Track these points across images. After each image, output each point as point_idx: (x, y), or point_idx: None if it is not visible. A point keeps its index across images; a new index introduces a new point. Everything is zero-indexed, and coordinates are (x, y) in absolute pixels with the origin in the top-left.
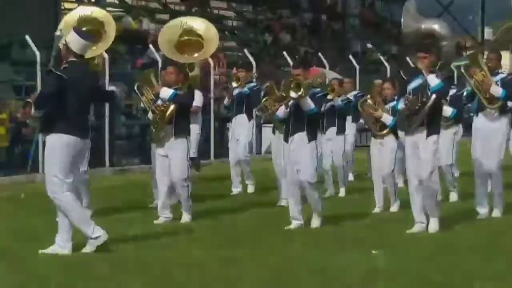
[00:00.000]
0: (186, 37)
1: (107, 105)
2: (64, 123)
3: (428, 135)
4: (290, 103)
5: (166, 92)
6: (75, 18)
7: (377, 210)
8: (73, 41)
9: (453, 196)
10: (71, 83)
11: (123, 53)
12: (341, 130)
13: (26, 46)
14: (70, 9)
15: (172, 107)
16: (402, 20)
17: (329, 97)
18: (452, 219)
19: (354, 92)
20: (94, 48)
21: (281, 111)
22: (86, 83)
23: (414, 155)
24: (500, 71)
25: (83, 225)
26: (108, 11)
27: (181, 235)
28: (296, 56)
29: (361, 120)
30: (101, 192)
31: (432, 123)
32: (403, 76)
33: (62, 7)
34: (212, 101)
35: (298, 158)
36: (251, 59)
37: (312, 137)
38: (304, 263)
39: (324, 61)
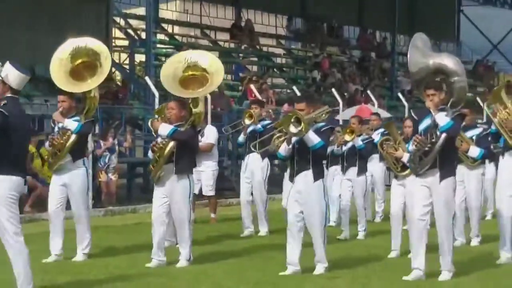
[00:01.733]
0: (190, 72)
1: None
2: (8, 163)
3: (442, 178)
4: (293, 139)
5: (165, 129)
6: (67, 52)
7: (393, 254)
8: (11, 75)
9: (475, 241)
10: (13, 120)
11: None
12: (362, 171)
13: None
14: (120, 47)
15: (171, 144)
16: (408, 55)
17: (347, 137)
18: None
19: (381, 130)
20: (89, 81)
21: (282, 149)
22: (25, 120)
23: (422, 199)
24: None
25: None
26: (158, 48)
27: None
28: (345, 93)
29: None
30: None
31: (445, 164)
32: (414, 116)
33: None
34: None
35: (303, 200)
36: (298, 93)
37: (318, 175)
38: None
39: (373, 98)
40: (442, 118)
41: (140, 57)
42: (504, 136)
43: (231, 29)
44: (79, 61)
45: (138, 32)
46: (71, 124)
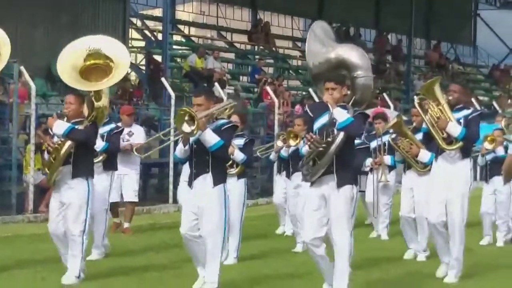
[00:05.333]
0: (93, 61)
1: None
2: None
3: (340, 185)
4: (191, 140)
5: (60, 127)
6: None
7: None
8: None
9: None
10: None
11: (188, 91)
12: None
13: None
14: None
15: (68, 144)
16: (306, 46)
17: (292, 142)
18: None
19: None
20: (97, 82)
21: (178, 150)
22: None
23: (318, 211)
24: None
25: None
26: (174, 49)
27: None
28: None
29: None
30: (165, 228)
31: (344, 170)
32: (310, 113)
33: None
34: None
35: (200, 207)
36: (316, 98)
37: (219, 180)
38: None
39: (389, 101)
40: (341, 114)
41: (156, 58)
42: (435, 137)
43: (247, 31)
44: (92, 62)
45: (155, 33)
46: (60, 126)
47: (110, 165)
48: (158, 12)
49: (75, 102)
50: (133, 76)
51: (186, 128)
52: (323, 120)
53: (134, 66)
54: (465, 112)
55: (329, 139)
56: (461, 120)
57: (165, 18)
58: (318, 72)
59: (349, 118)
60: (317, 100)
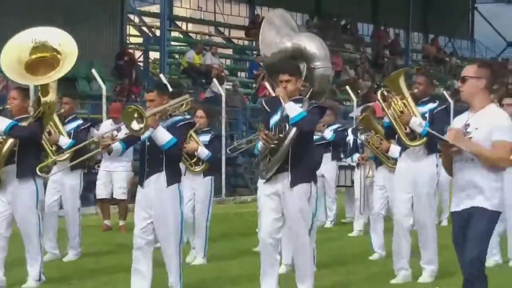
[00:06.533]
0: (39, 54)
1: None
2: None
3: (294, 183)
4: (142, 137)
5: (1, 123)
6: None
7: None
8: None
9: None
10: None
11: (187, 87)
12: None
13: (91, 80)
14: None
15: (10, 142)
16: (260, 35)
17: None
18: None
19: (334, 126)
20: (43, 76)
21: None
22: None
23: (271, 212)
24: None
25: None
26: (172, 45)
27: None
28: (359, 91)
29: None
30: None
31: (298, 167)
32: (266, 107)
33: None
34: None
35: (153, 208)
36: (271, 91)
37: (173, 179)
38: None
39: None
40: (293, 109)
41: (154, 55)
42: (398, 132)
43: (245, 27)
44: (38, 55)
45: (153, 29)
46: (1, 123)
47: (77, 163)
48: (155, 9)
49: (18, 97)
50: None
51: (135, 125)
52: (277, 115)
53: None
54: (431, 105)
55: (281, 135)
56: (426, 115)
57: (163, 14)
58: (272, 63)
59: (302, 113)
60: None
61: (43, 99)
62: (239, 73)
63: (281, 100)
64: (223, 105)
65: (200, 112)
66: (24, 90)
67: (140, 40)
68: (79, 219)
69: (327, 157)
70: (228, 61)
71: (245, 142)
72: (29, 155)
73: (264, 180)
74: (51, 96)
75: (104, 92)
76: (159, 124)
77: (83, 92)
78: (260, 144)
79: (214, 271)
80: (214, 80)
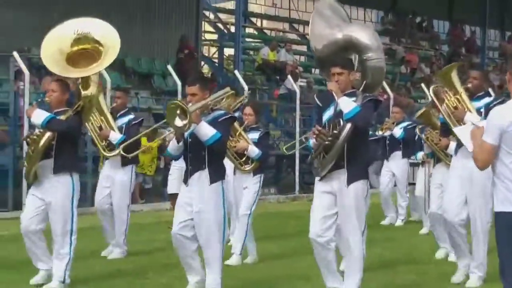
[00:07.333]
0: (81, 46)
1: None
2: None
3: (350, 181)
4: (185, 134)
5: (39, 116)
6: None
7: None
8: None
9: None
10: None
11: (261, 83)
12: None
13: (166, 76)
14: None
15: (47, 135)
16: (310, 27)
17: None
18: None
19: (404, 124)
20: (83, 69)
21: (171, 146)
22: None
23: (322, 210)
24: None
25: None
26: (247, 41)
27: None
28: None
29: None
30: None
31: (355, 164)
32: (318, 102)
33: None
34: None
35: (195, 206)
36: (388, 90)
37: (216, 177)
38: None
39: None
40: (347, 104)
41: (229, 51)
42: (452, 129)
43: None
44: (79, 47)
45: (228, 25)
46: (38, 116)
47: (129, 158)
48: (230, 5)
49: (58, 89)
50: (205, 69)
51: (178, 122)
52: (330, 111)
53: (206, 59)
54: (487, 100)
55: (335, 131)
56: (482, 110)
57: (238, 10)
58: (324, 56)
59: (356, 108)
60: (389, 92)
61: (83, 93)
62: (313, 70)
63: (334, 95)
64: (297, 102)
65: (248, 109)
66: (63, 83)
67: (215, 36)
68: (127, 217)
69: (398, 155)
70: (303, 58)
71: (304, 139)
72: (66, 150)
73: (318, 178)
74: (92, 90)
75: (179, 88)
76: (202, 119)
77: (159, 88)
78: (312, 141)
79: (286, 268)
80: (289, 77)
